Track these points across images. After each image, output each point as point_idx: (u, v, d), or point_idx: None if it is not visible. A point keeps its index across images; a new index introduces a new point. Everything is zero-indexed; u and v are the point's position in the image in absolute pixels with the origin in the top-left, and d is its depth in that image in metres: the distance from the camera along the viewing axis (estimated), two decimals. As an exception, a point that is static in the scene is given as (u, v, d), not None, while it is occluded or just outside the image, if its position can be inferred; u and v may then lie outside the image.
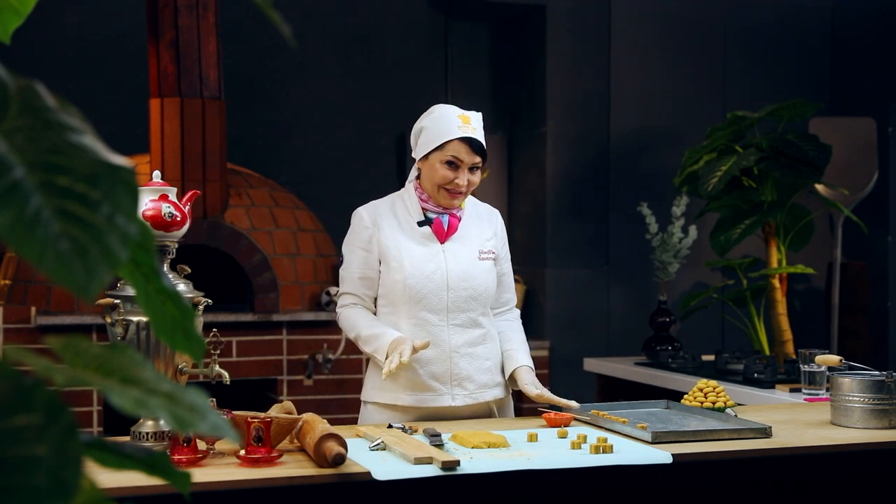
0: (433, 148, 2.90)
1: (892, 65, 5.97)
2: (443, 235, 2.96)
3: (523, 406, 5.83)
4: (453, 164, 2.88)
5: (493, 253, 3.01)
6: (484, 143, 2.92)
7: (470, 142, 2.88)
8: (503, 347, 3.05)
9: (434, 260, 2.92)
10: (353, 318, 2.96)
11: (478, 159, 2.90)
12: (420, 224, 2.95)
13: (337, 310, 3.04)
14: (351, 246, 2.99)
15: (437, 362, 2.91)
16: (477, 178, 2.94)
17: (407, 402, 2.91)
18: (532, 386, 2.93)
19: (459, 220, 2.99)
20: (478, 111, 2.99)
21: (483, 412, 3.00)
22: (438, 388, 2.91)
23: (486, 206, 3.12)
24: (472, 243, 2.98)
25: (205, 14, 4.82)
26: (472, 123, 2.91)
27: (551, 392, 2.94)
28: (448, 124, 2.89)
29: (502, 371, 3.03)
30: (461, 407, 2.93)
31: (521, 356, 3.02)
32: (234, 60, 5.60)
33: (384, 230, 2.94)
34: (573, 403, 2.89)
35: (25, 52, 5.27)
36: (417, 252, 2.92)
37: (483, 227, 3.03)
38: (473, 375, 2.93)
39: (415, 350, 2.78)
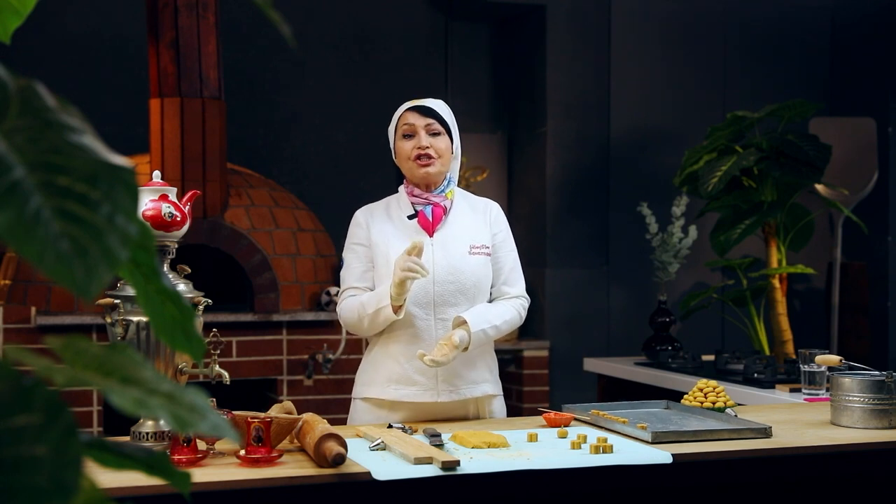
0: (393, 135, 3.02)
1: (892, 65, 5.96)
2: (429, 227, 2.95)
3: (523, 406, 5.83)
4: (409, 134, 2.96)
5: (488, 247, 2.99)
6: (437, 110, 2.98)
7: (417, 108, 2.98)
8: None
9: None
10: (352, 303, 2.93)
11: (431, 121, 2.96)
12: (409, 218, 2.97)
13: (337, 308, 3.01)
14: (350, 245, 3.02)
15: None
16: (441, 143, 2.96)
17: (393, 396, 2.90)
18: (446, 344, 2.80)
19: (444, 210, 2.98)
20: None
21: (471, 409, 2.97)
22: (424, 383, 2.89)
23: (483, 200, 3.10)
24: (463, 237, 2.96)
25: (205, 14, 4.81)
26: (422, 99, 3.03)
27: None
28: (400, 111, 3.03)
29: (493, 369, 3.03)
30: (447, 403, 2.91)
31: (467, 314, 2.87)
32: (234, 60, 5.60)
33: (375, 228, 2.97)
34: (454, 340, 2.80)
35: (25, 52, 5.26)
36: (404, 246, 2.89)
37: (477, 220, 3.02)
38: (460, 371, 2.91)
39: (415, 250, 2.75)
